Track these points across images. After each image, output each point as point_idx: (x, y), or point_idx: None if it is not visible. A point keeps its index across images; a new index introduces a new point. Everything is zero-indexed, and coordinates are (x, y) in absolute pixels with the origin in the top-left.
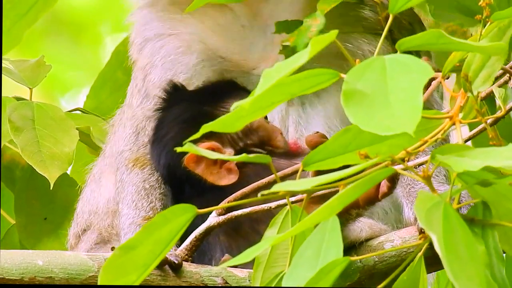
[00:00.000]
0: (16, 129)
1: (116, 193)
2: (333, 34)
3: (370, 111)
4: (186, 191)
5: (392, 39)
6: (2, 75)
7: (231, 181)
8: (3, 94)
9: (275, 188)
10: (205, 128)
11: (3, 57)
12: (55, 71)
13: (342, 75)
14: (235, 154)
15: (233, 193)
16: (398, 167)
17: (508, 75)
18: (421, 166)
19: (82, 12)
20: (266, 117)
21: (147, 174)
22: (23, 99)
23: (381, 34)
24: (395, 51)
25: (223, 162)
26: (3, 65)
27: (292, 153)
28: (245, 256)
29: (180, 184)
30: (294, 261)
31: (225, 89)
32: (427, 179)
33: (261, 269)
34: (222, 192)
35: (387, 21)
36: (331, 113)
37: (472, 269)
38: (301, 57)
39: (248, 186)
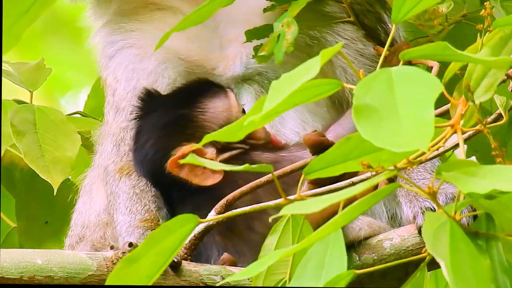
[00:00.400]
0: (19, 133)
1: (110, 206)
2: (338, 46)
3: (380, 126)
4: (174, 195)
5: (361, 24)
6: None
7: (216, 181)
8: (2, 97)
9: (284, 211)
10: (207, 138)
11: (2, 59)
12: (55, 71)
13: (345, 84)
14: (216, 153)
15: (221, 192)
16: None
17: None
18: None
19: (82, 12)
20: (243, 111)
21: (135, 180)
22: (23, 102)
23: (345, 22)
24: (365, 35)
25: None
26: (2, 67)
27: (276, 146)
28: (249, 271)
29: (168, 189)
30: (298, 271)
31: (199, 89)
32: (433, 195)
33: (262, 276)
34: (212, 191)
35: (351, 8)
36: (300, 106)
37: (477, 286)
38: (311, 70)
39: (246, 185)
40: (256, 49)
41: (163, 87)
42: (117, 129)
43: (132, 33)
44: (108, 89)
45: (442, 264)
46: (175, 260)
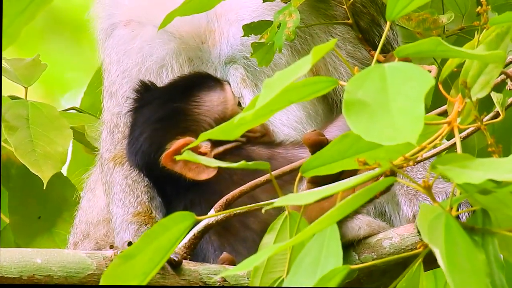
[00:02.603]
0: (10, 128)
1: (106, 196)
2: (331, 43)
3: (371, 121)
4: (168, 190)
5: (357, 25)
6: None
7: (211, 175)
8: None
9: (278, 203)
10: (203, 136)
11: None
12: (55, 70)
13: (341, 82)
14: (211, 146)
15: (216, 187)
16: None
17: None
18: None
19: (82, 12)
20: (239, 104)
21: (127, 170)
22: (18, 98)
23: (341, 23)
24: (357, 38)
25: (201, 156)
26: None
27: (272, 140)
28: (244, 265)
29: (162, 182)
30: (293, 268)
31: (195, 82)
32: (428, 189)
33: (260, 274)
34: (207, 186)
35: (351, 10)
36: None
37: (473, 279)
38: (303, 67)
39: (246, 184)
40: (255, 46)
41: (152, 67)
42: (110, 115)
43: (127, 8)
44: (104, 72)
45: (437, 252)
46: (176, 259)
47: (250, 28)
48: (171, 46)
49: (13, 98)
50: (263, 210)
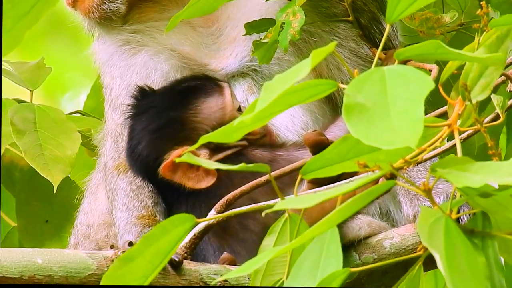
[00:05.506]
0: (18, 132)
1: (109, 203)
2: (331, 46)
3: (370, 124)
4: (169, 195)
5: (357, 23)
6: (2, 77)
7: (210, 183)
8: (3, 96)
9: (279, 206)
10: (203, 140)
11: (3, 59)
12: (55, 71)
13: (341, 85)
14: (210, 154)
15: (217, 192)
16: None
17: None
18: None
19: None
20: (239, 108)
21: (132, 177)
22: (23, 101)
23: (341, 20)
24: (360, 35)
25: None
26: (3, 67)
27: (273, 142)
28: (245, 268)
29: (163, 189)
30: (294, 271)
31: (193, 88)
32: (427, 192)
33: (260, 276)
34: (208, 191)
35: (352, 7)
36: None
37: (473, 282)
38: (302, 70)
39: (246, 185)
40: (256, 44)
41: (157, 81)
42: (114, 126)
43: (125, 31)
44: (106, 89)
45: (437, 256)
46: (177, 259)
47: (252, 27)
48: (175, 62)
49: (18, 101)
50: (263, 214)
